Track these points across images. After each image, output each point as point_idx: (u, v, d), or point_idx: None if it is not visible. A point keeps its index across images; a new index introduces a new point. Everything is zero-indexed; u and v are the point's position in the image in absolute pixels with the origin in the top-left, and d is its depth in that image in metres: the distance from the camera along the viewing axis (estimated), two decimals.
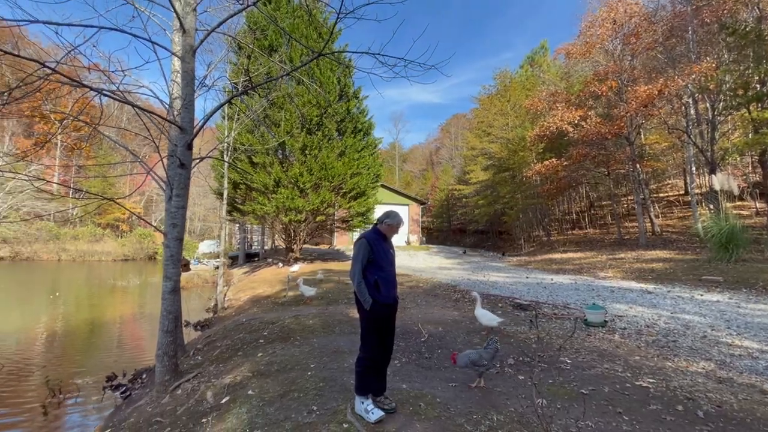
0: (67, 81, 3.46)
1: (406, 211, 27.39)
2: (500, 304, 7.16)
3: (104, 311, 11.27)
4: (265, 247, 24.72)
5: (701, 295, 7.72)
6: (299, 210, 13.40)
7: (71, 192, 28.66)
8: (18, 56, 2.72)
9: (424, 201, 32.08)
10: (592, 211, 25.76)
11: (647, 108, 14.75)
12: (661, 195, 23.37)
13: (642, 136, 20.28)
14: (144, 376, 5.23)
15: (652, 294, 8.03)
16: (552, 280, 10.89)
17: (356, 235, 27.53)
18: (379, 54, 3.48)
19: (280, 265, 15.21)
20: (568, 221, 26.54)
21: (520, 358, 4.08)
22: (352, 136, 14.79)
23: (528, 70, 33.07)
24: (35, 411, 4.55)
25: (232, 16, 4.49)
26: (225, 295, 10.93)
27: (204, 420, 2.95)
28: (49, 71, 3.12)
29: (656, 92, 14.00)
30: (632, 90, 15.16)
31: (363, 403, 2.72)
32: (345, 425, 2.62)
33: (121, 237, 35.15)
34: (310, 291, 7.98)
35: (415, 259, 18.40)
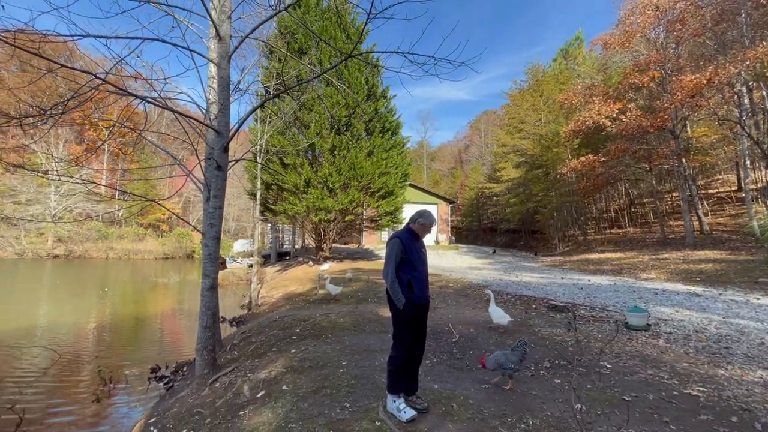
0: (115, 90, 3.69)
1: (434, 210, 27.19)
2: (534, 305, 6.95)
3: (147, 307, 11.96)
4: (296, 246, 25.30)
5: (758, 299, 7.14)
6: (328, 210, 13.60)
7: (117, 194, 30.65)
8: (73, 68, 2.93)
9: (453, 200, 31.67)
10: (633, 209, 24.45)
11: (694, 98, 13.79)
12: (711, 191, 21.82)
13: (688, 128, 19.00)
14: (185, 368, 5.50)
15: (700, 297, 7.51)
16: (589, 281, 10.45)
17: (385, 234, 27.67)
18: (408, 53, 3.47)
19: (311, 263, 15.51)
20: (606, 220, 25.34)
21: (557, 362, 3.94)
22: (380, 135, 14.84)
23: (561, 63, 31.87)
24: (88, 398, 4.89)
25: (264, 22, 4.62)
26: (258, 292, 11.29)
27: (241, 413, 3.05)
28: (99, 81, 3.34)
29: (705, 81, 13.06)
30: (677, 80, 14.22)
31: (395, 401, 2.72)
32: (377, 423, 2.63)
33: (162, 236, 37.11)
34: (336, 290, 8.10)
35: (444, 259, 18.22)
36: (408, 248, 2.65)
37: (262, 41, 7.23)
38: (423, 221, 2.79)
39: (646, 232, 19.88)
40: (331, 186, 13.37)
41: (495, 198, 35.97)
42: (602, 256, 16.08)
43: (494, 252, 24.22)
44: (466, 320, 5.83)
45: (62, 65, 2.90)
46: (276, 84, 8.38)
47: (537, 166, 25.99)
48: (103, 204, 34.26)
